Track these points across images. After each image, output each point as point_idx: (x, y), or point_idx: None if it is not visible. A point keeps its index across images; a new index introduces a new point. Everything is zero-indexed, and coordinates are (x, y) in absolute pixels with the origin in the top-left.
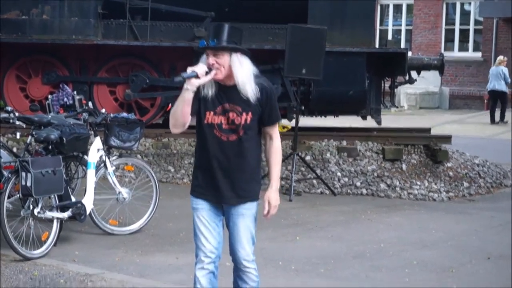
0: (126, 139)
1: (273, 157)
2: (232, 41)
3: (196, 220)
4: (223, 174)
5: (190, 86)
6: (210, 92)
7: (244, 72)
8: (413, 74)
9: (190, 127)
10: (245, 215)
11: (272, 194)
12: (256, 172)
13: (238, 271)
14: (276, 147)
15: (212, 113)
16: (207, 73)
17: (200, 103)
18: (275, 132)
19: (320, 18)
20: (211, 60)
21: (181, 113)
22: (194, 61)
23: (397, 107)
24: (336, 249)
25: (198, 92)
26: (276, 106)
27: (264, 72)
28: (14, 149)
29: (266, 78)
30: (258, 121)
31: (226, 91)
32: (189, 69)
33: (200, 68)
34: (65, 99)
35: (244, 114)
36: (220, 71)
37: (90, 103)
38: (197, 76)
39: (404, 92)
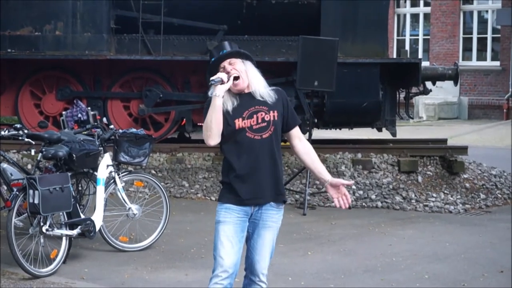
0: (136, 154)
1: (314, 154)
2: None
3: (220, 233)
4: (261, 172)
5: (219, 92)
6: (230, 104)
7: (259, 77)
8: (428, 84)
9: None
10: (272, 228)
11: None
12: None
13: (251, 285)
14: (309, 145)
15: (240, 119)
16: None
17: (224, 117)
18: (300, 133)
19: (333, 29)
20: (228, 68)
21: (216, 121)
22: (207, 75)
23: (412, 118)
24: (347, 264)
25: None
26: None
27: (277, 85)
28: (29, 166)
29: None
30: (282, 123)
31: (244, 98)
32: (214, 78)
33: (222, 75)
34: (79, 115)
35: (271, 111)
36: (241, 78)
37: (104, 119)
38: (222, 82)
39: (422, 102)
